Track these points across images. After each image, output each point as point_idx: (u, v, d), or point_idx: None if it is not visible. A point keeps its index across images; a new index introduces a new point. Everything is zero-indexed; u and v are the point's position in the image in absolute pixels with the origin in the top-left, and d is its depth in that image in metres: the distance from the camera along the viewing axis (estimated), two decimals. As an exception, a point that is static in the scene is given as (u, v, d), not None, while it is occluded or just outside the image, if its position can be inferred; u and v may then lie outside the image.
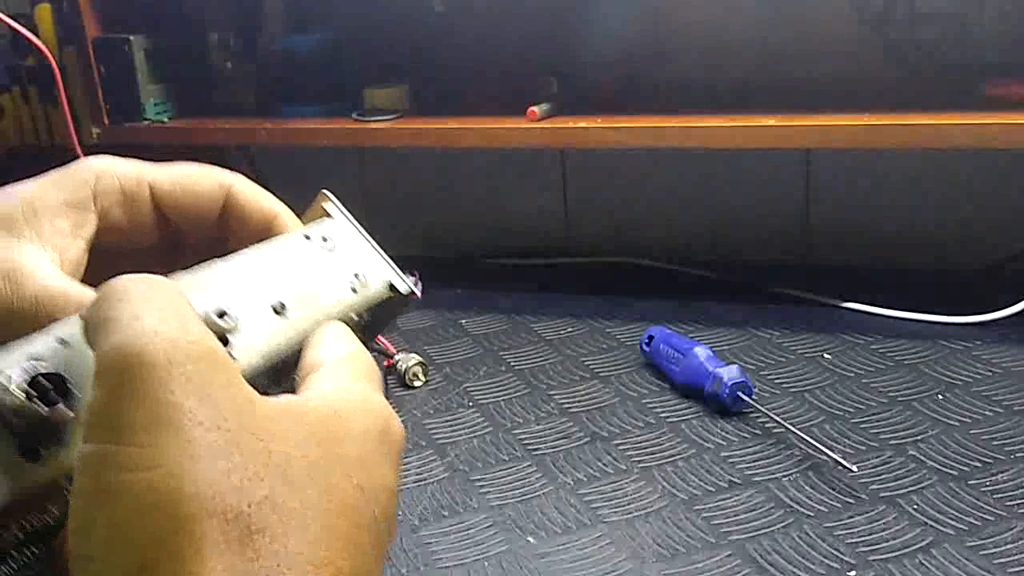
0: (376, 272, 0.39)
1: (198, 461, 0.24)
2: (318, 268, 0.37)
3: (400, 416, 0.33)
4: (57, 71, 0.95)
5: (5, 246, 0.35)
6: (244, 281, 0.34)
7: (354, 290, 0.38)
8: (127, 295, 0.27)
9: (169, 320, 0.27)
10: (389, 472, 0.30)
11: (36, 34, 1.07)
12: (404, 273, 0.41)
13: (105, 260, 0.38)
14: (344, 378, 0.32)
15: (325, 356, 0.33)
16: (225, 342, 0.31)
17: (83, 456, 0.25)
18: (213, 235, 0.40)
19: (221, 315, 0.32)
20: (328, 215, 0.41)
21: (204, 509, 0.24)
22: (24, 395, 0.27)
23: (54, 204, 0.37)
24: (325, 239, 0.39)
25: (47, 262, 0.35)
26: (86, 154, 1.02)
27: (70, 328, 0.29)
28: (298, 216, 0.42)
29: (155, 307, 0.27)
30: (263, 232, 0.40)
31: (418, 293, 0.40)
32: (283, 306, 0.34)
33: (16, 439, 0.27)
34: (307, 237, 0.38)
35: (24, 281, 0.34)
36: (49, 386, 0.27)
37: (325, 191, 0.42)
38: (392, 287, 0.39)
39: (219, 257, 0.35)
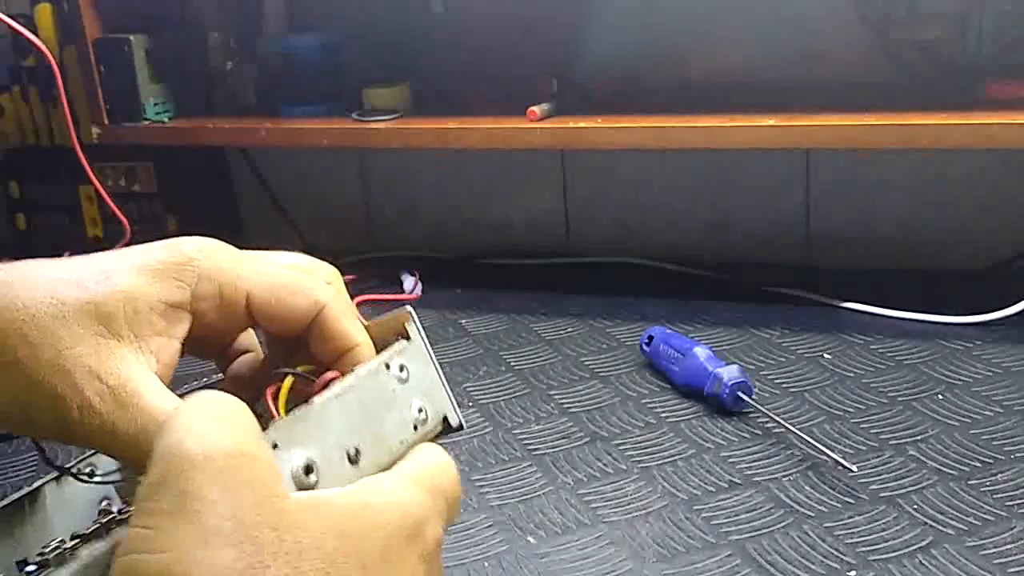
0: (436, 405, 0.43)
1: (208, 548, 0.26)
2: (392, 406, 0.40)
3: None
4: (57, 71, 0.95)
5: (107, 352, 0.34)
6: (330, 429, 0.37)
7: (415, 427, 0.41)
8: (193, 407, 0.29)
9: (219, 426, 0.28)
10: (416, 571, 0.31)
11: (36, 34, 1.07)
12: (454, 403, 0.44)
13: (185, 347, 0.39)
14: (389, 476, 0.34)
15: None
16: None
17: (117, 539, 0.27)
18: (293, 338, 0.42)
19: (308, 471, 0.34)
20: (407, 336, 0.44)
21: None
22: None
23: (153, 302, 0.36)
24: (401, 367, 0.42)
25: (151, 376, 0.35)
26: (86, 154, 1.02)
27: None
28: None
29: (212, 416, 0.29)
30: (340, 354, 0.42)
31: (464, 425, 0.43)
32: (358, 453, 0.37)
33: None
34: (387, 366, 0.41)
35: (129, 401, 0.34)
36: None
37: (409, 309, 0.45)
38: (445, 421, 0.43)
39: (313, 396, 0.37)
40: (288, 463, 0.33)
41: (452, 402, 0.44)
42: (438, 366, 0.44)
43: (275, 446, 0.32)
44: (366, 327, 0.45)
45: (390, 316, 0.46)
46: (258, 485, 0.28)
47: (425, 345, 0.44)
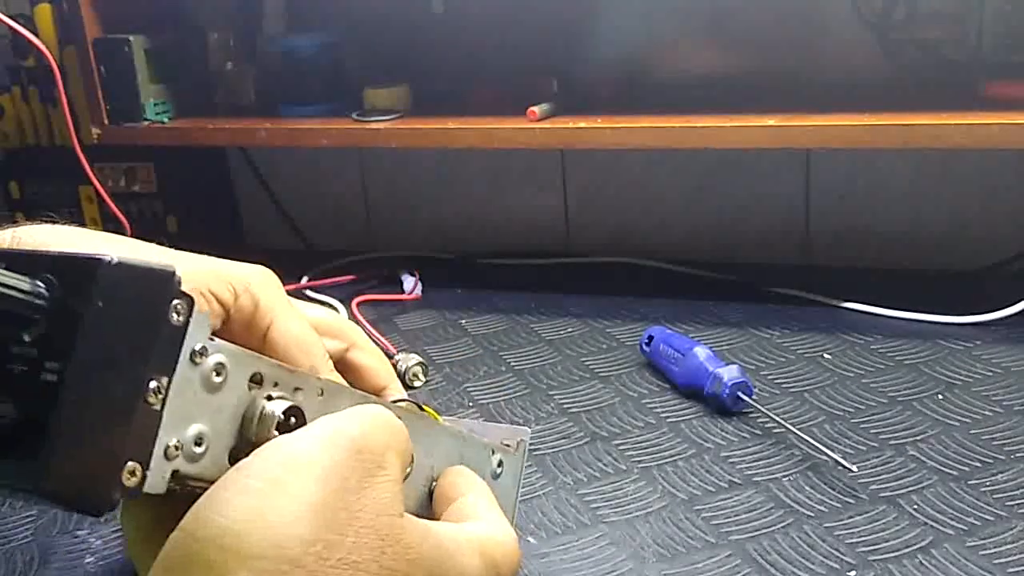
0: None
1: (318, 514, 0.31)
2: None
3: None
4: (57, 71, 0.95)
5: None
6: (437, 450, 0.45)
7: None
8: (373, 408, 0.37)
9: (388, 428, 0.36)
10: None
11: (36, 34, 1.07)
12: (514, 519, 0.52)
13: None
14: (462, 534, 0.38)
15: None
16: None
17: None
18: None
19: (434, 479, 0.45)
20: (514, 448, 0.53)
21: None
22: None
23: (205, 290, 0.47)
24: (499, 463, 0.51)
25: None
26: (86, 154, 1.02)
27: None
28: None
29: (383, 417, 0.36)
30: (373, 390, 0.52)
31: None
32: (431, 483, 0.45)
33: None
34: (492, 451, 0.51)
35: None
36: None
37: (528, 432, 0.55)
38: None
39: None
40: (427, 469, 0.43)
41: (513, 517, 0.50)
42: (520, 485, 0.52)
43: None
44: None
45: (509, 428, 0.54)
46: (387, 483, 0.34)
47: (522, 462, 0.52)
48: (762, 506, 0.61)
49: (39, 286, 0.29)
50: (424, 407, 0.48)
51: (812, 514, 0.60)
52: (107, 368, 0.29)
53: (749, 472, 0.66)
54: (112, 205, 1.02)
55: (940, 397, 0.74)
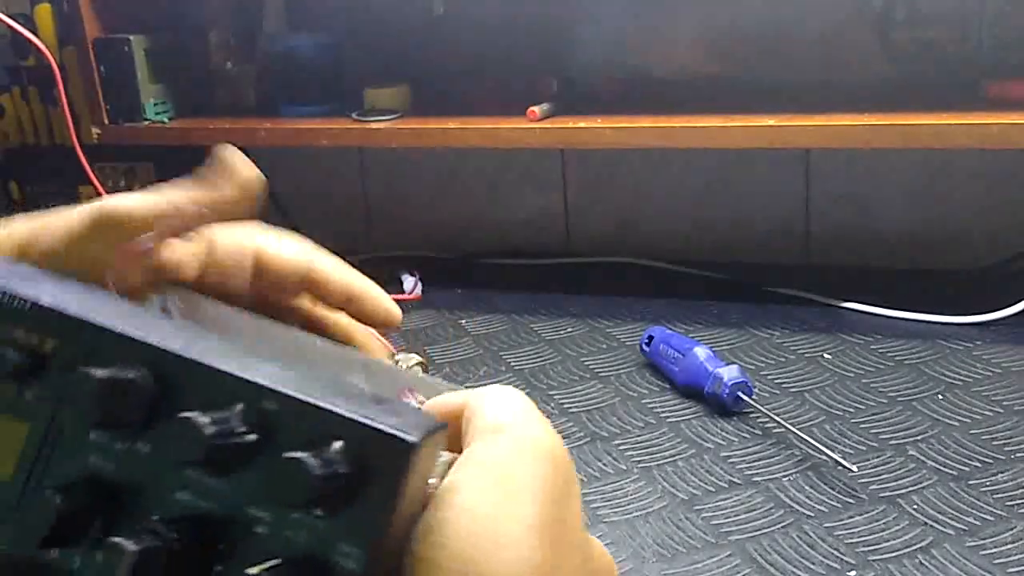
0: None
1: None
2: None
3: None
4: (57, 71, 0.95)
5: None
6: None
7: None
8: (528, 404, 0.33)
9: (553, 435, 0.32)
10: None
11: (36, 34, 1.07)
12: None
13: None
14: None
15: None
16: None
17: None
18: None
19: None
20: None
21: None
22: None
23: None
24: None
25: None
26: (86, 154, 1.02)
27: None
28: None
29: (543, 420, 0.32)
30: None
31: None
32: None
33: None
34: None
35: None
36: None
37: None
38: None
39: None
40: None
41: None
42: None
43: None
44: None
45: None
46: (576, 499, 0.31)
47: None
48: (762, 506, 0.61)
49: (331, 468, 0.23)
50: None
51: (812, 514, 0.60)
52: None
53: (749, 472, 0.66)
54: (112, 205, 1.02)
55: (940, 397, 0.74)
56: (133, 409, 0.24)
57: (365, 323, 0.44)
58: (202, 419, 0.23)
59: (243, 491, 0.24)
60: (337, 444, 0.23)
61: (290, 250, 0.41)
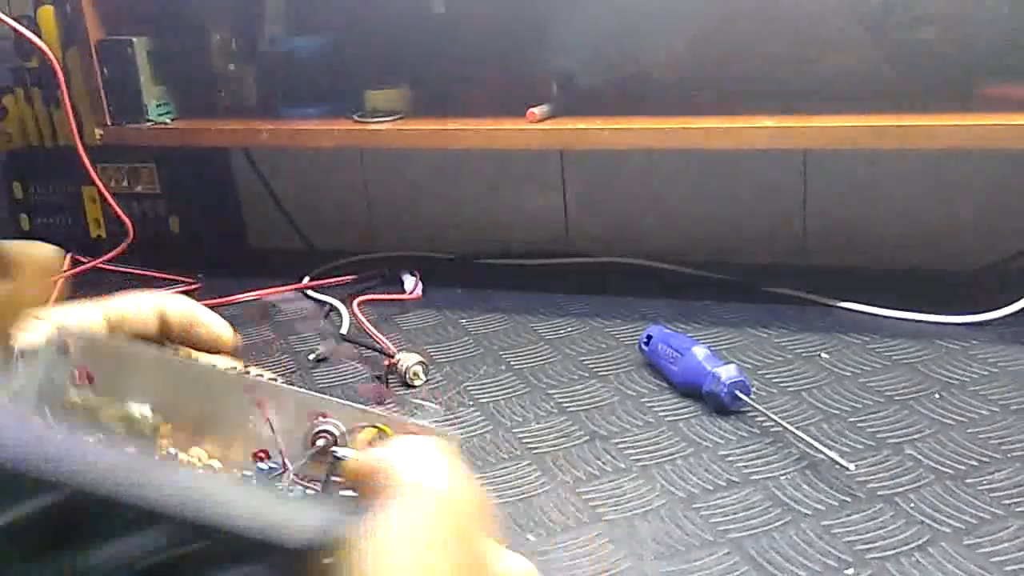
0: None
1: None
2: None
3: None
4: (60, 72, 0.95)
5: None
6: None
7: None
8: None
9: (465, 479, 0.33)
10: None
11: (39, 36, 1.08)
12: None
13: None
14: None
15: None
16: None
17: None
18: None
19: None
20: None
21: None
22: None
23: None
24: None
25: None
26: (89, 155, 1.02)
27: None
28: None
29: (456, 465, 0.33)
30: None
31: None
32: None
33: None
34: None
35: None
36: None
37: (458, 437, 0.47)
38: None
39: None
40: None
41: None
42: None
43: None
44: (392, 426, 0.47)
45: (431, 427, 0.44)
46: (480, 539, 0.32)
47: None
48: (760, 504, 0.62)
49: None
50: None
51: (810, 512, 0.60)
52: None
53: (747, 471, 0.66)
54: (115, 206, 1.03)
55: (937, 396, 0.75)
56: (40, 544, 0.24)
57: (201, 348, 0.48)
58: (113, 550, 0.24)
59: None
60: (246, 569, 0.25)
61: (139, 301, 0.46)
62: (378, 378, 0.86)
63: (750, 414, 0.74)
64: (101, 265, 1.06)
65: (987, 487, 0.62)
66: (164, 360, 0.38)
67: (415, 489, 0.32)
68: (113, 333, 0.41)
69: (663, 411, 0.76)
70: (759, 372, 0.81)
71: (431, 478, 0.33)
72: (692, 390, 0.77)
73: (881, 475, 0.64)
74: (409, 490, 0.33)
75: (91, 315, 0.46)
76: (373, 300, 1.05)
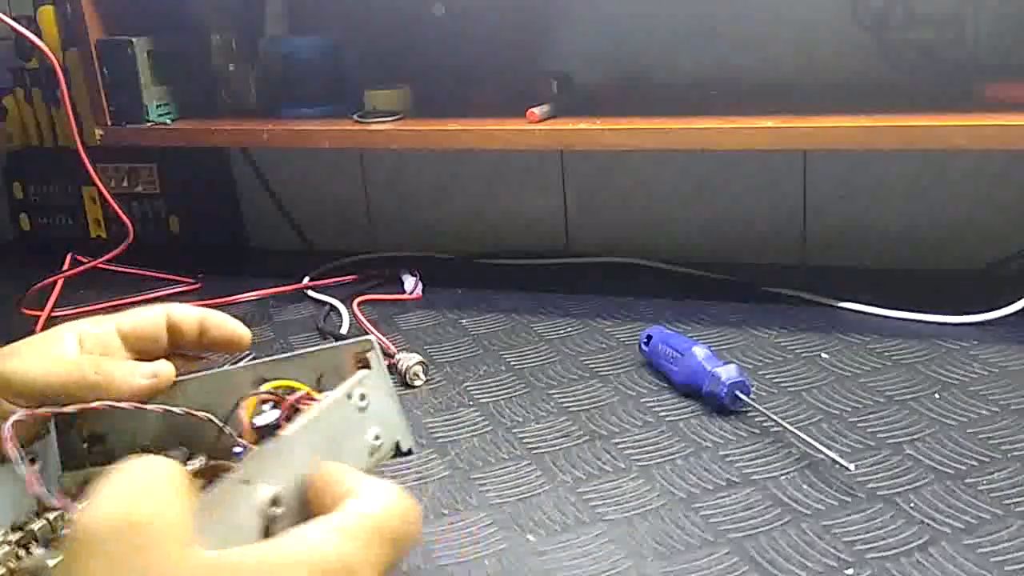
0: (391, 431, 0.45)
1: None
2: (350, 435, 0.43)
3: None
4: (60, 73, 0.95)
5: None
6: (295, 461, 0.39)
7: (371, 454, 0.43)
8: (119, 477, 0.33)
9: (128, 499, 0.31)
10: None
11: (39, 36, 1.08)
12: (408, 428, 0.46)
13: None
14: (315, 527, 0.35)
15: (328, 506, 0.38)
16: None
17: None
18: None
19: (275, 503, 0.37)
20: (368, 365, 0.47)
21: None
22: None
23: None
24: (362, 396, 0.44)
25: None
26: (89, 155, 1.02)
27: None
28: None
29: (125, 488, 0.32)
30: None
31: (415, 450, 0.46)
32: None
33: None
34: (348, 396, 0.44)
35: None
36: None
37: (371, 338, 0.48)
38: (397, 447, 0.45)
39: (279, 431, 0.42)
40: (255, 498, 0.36)
41: (406, 428, 0.46)
42: (395, 394, 0.46)
43: (246, 482, 0.35)
44: (321, 351, 0.49)
45: (352, 343, 0.48)
46: (147, 552, 0.30)
47: (384, 374, 0.47)
48: (760, 504, 0.62)
49: None
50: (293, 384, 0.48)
51: (809, 512, 0.60)
52: None
53: (747, 471, 0.66)
54: (115, 206, 1.03)
55: (937, 396, 0.75)
56: None
57: (219, 349, 0.52)
58: None
59: None
60: None
61: (145, 312, 0.53)
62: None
63: (750, 414, 0.74)
64: (101, 265, 1.06)
65: (987, 487, 0.62)
66: None
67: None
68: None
69: (663, 411, 0.76)
70: (759, 372, 0.81)
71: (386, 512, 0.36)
72: (692, 390, 0.77)
73: (881, 475, 0.64)
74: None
75: (104, 329, 0.49)
76: (373, 300, 1.05)
